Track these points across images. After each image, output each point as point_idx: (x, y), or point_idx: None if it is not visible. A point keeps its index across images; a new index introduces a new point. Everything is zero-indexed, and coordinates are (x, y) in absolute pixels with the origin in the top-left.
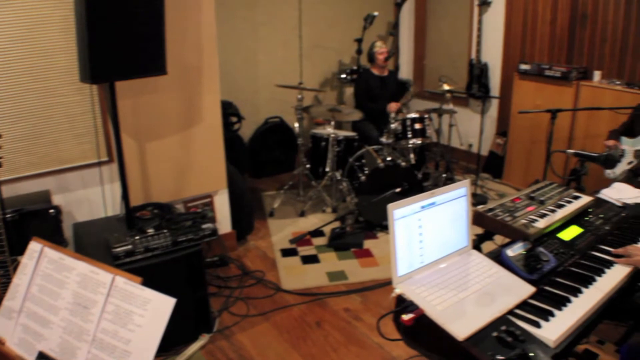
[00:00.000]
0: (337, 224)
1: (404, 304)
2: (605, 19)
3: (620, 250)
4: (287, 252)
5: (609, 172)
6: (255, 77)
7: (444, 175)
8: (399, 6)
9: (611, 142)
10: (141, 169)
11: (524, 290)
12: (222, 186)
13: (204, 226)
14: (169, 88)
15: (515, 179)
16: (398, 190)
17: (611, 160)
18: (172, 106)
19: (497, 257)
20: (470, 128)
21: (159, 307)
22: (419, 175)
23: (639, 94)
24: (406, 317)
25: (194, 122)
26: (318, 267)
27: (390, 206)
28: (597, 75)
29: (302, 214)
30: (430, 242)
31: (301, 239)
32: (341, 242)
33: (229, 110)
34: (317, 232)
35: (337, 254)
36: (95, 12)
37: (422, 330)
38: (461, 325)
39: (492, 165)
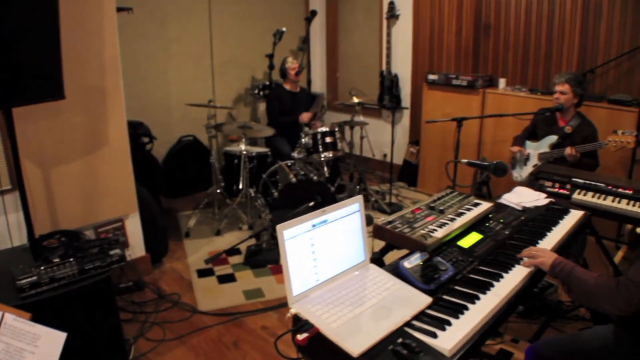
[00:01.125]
0: (253, 241)
1: (299, 323)
2: (507, 29)
3: (524, 253)
4: (203, 273)
5: (516, 176)
6: (167, 96)
7: (358, 186)
8: (308, 21)
9: (516, 148)
10: (47, 195)
11: (421, 301)
12: (133, 209)
13: (112, 252)
14: (71, 111)
15: (429, 187)
16: (311, 204)
17: (500, 169)
18: (76, 129)
19: (395, 269)
20: (384, 138)
21: (50, 342)
22: (333, 188)
23: (541, 100)
24: (300, 337)
25: (100, 145)
26: (234, 286)
27: (279, 227)
28: (502, 82)
29: (218, 233)
30: (324, 260)
31: (217, 259)
32: (257, 259)
33: (139, 131)
34: (234, 251)
35: (253, 272)
36: None
37: (319, 349)
38: (356, 341)
39: (406, 173)
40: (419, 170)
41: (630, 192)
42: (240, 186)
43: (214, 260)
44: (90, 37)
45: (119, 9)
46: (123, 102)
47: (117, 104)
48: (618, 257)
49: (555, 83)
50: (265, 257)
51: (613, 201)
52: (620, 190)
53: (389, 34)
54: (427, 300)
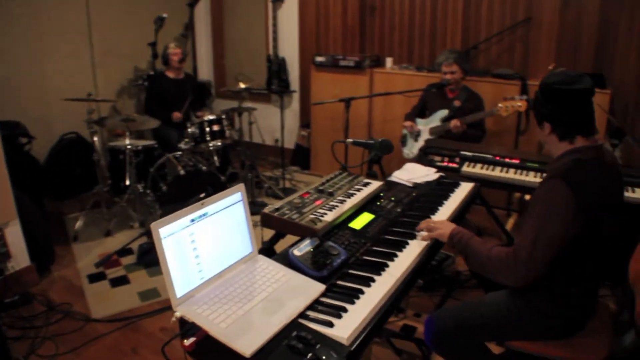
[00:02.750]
0: (144, 239)
1: (185, 327)
2: (392, 9)
3: (422, 225)
4: (94, 278)
5: (407, 153)
6: (44, 91)
7: (250, 174)
8: (191, 6)
9: (408, 123)
10: None
11: (314, 289)
12: (11, 217)
13: None
14: None
15: (322, 169)
16: (202, 195)
17: (386, 146)
18: None
19: (285, 258)
20: (275, 123)
21: None
22: (225, 177)
23: (428, 77)
24: (187, 342)
25: None
26: (128, 289)
27: (153, 225)
28: (389, 62)
29: (108, 234)
30: (208, 256)
31: (107, 261)
32: (150, 258)
33: (16, 131)
34: (125, 251)
35: (147, 271)
36: None
37: (210, 352)
38: (248, 340)
39: (299, 157)
40: (311, 153)
41: (517, 161)
42: (128, 182)
43: (104, 263)
44: None
45: None
46: None
47: None
48: (510, 224)
49: (441, 64)
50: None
51: (501, 171)
52: (507, 160)
53: (274, 18)
54: (320, 288)
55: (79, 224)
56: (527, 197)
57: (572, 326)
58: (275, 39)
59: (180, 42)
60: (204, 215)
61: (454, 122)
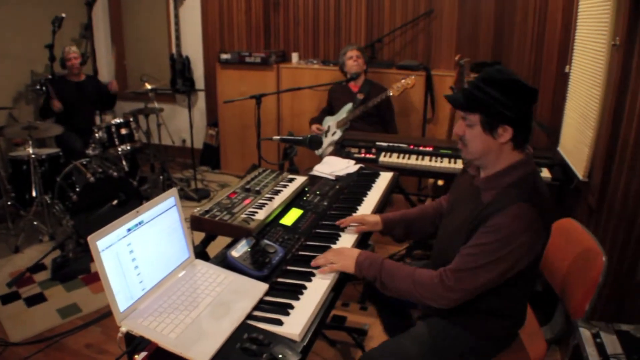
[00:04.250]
0: (57, 253)
1: (134, 342)
2: (296, 4)
3: (319, 261)
4: (7, 298)
5: (320, 152)
6: None
7: (161, 176)
8: (89, 6)
9: (314, 127)
10: None
11: (258, 289)
12: None
13: None
14: None
15: (233, 167)
16: (115, 202)
17: (316, 141)
18: None
19: (224, 260)
20: (182, 123)
21: None
22: (135, 182)
23: (334, 70)
24: (138, 357)
25: None
26: (46, 306)
27: (90, 238)
28: (295, 56)
29: (17, 250)
30: (147, 265)
31: (20, 279)
32: (66, 272)
33: None
34: (38, 267)
35: (64, 286)
36: None
37: None
38: (201, 347)
39: (208, 157)
40: (220, 152)
41: (431, 149)
42: (34, 194)
43: (17, 282)
44: None
45: None
46: None
47: None
48: None
49: (345, 52)
50: (74, 267)
51: (417, 159)
52: (421, 148)
53: (176, 16)
54: (263, 287)
55: None
56: (440, 182)
57: (507, 340)
58: (178, 37)
59: (78, 44)
60: (139, 223)
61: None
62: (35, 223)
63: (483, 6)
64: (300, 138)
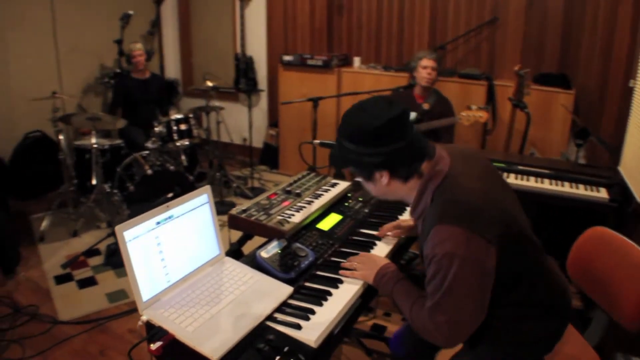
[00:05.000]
0: (112, 240)
1: (152, 331)
2: (360, 8)
3: (346, 264)
4: (61, 279)
5: None
6: (7, 89)
7: (218, 173)
8: (158, 3)
9: None
10: None
11: (282, 291)
12: None
13: None
14: None
15: (291, 168)
16: (170, 195)
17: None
18: None
19: (253, 260)
20: (244, 122)
21: None
22: (191, 176)
23: (395, 76)
24: (154, 346)
25: None
26: (96, 290)
27: (118, 228)
28: (356, 61)
29: (75, 234)
30: (174, 259)
31: (74, 262)
32: (118, 259)
33: None
34: (93, 251)
35: (115, 272)
36: None
37: (178, 356)
38: (215, 343)
39: (267, 156)
40: (279, 152)
41: None
42: (94, 182)
43: (71, 264)
44: None
45: None
46: None
47: None
48: None
49: (421, 58)
50: None
51: None
52: None
53: (242, 16)
54: (288, 290)
55: (44, 224)
56: None
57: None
58: (242, 38)
59: (146, 40)
60: (169, 217)
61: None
62: (94, 210)
63: (550, 15)
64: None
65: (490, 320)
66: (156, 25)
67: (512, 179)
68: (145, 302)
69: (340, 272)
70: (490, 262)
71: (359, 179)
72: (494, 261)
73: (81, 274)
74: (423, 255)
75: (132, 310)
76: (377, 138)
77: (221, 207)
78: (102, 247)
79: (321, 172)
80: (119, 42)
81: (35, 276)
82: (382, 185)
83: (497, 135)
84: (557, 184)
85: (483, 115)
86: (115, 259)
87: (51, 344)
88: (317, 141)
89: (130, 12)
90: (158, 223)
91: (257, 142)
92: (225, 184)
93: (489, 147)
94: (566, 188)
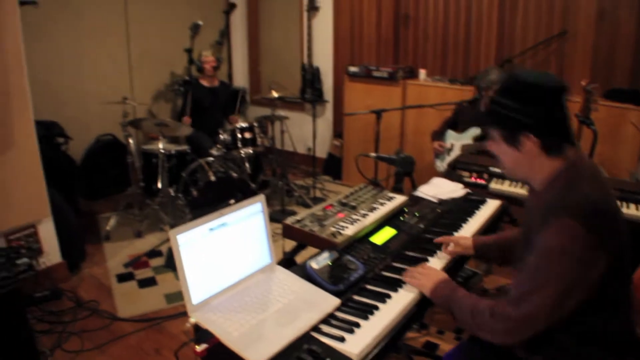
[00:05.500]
0: None
1: (198, 333)
2: (426, 20)
3: (406, 274)
4: (123, 277)
5: (438, 165)
6: (83, 94)
7: (280, 182)
8: (227, 14)
9: (436, 144)
10: None
11: (329, 303)
12: (45, 214)
13: (19, 262)
14: None
15: (353, 180)
16: (232, 202)
17: (408, 162)
18: None
19: (303, 270)
20: (308, 132)
21: None
22: (255, 184)
23: (461, 90)
24: (199, 348)
25: (6, 150)
26: (155, 290)
27: (172, 232)
28: (422, 73)
29: (139, 235)
30: (226, 265)
31: (136, 262)
32: None
33: (54, 131)
34: (155, 253)
35: (174, 274)
36: None
37: (222, 359)
38: (258, 349)
39: (331, 167)
40: (343, 163)
41: None
42: (160, 186)
43: (133, 264)
44: None
45: (22, 3)
46: (30, 104)
47: (22, 106)
48: None
49: (487, 87)
50: None
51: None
52: None
53: (309, 27)
54: (335, 302)
55: (111, 223)
56: None
57: None
58: (309, 48)
59: (215, 49)
60: (223, 224)
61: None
62: (158, 212)
63: (622, 28)
64: (394, 158)
65: (558, 334)
66: (225, 35)
67: None
68: (195, 305)
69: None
70: (597, 271)
71: (492, 149)
72: (600, 272)
73: (142, 273)
74: (526, 239)
75: None
76: (541, 98)
77: (282, 215)
78: (164, 249)
79: (382, 185)
80: (189, 50)
81: (99, 273)
82: (521, 154)
83: None
84: (622, 206)
85: None
86: (175, 262)
87: (109, 339)
88: (373, 154)
89: (200, 22)
90: (211, 229)
91: (321, 152)
92: (287, 193)
93: None
94: (632, 210)
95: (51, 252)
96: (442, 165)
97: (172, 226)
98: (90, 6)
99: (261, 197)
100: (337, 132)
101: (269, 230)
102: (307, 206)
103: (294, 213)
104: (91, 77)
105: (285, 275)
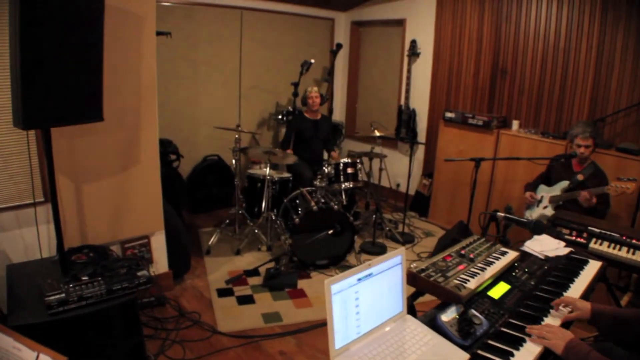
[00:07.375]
0: (272, 265)
1: None
2: (523, 74)
3: (534, 331)
4: (223, 292)
5: (527, 215)
6: (195, 116)
7: (374, 216)
8: (334, 53)
9: (527, 194)
10: (78, 209)
11: (459, 357)
12: (159, 227)
13: (140, 274)
14: (106, 130)
15: (439, 218)
16: (331, 232)
17: (539, 227)
18: (110, 147)
19: (431, 321)
20: (399, 169)
21: None
22: (350, 216)
23: (553, 143)
24: None
25: (132, 164)
26: (253, 308)
27: (327, 282)
28: (515, 124)
29: (238, 252)
30: (366, 312)
31: (237, 279)
32: (276, 282)
33: (168, 149)
34: (253, 272)
35: (271, 294)
36: (31, 56)
37: None
38: None
39: (418, 204)
40: (430, 201)
41: None
42: (263, 208)
43: (234, 281)
44: (129, 59)
45: (159, 33)
46: (156, 122)
47: (150, 124)
48: (624, 301)
49: (577, 135)
50: (283, 280)
51: (628, 252)
52: (634, 241)
53: (409, 71)
54: (464, 357)
55: (213, 239)
56: None
57: None
58: (408, 91)
59: (319, 85)
60: (369, 275)
61: (585, 195)
62: (257, 233)
63: None
64: (525, 221)
65: None
66: (330, 73)
67: None
68: (337, 350)
69: (530, 333)
70: None
71: None
72: None
73: (241, 290)
74: None
75: (285, 333)
76: None
77: (372, 247)
78: (262, 269)
79: (489, 239)
80: (296, 84)
81: (200, 285)
82: None
83: None
84: None
85: (630, 187)
86: (273, 282)
87: (209, 351)
88: (501, 214)
89: (312, 60)
90: (359, 279)
91: (410, 189)
92: (379, 226)
93: (638, 224)
94: None
95: (160, 262)
96: (530, 215)
97: (269, 247)
98: (210, 38)
99: (402, 250)
100: (427, 172)
101: (404, 280)
102: (396, 241)
103: (383, 246)
104: (204, 102)
105: (416, 326)
